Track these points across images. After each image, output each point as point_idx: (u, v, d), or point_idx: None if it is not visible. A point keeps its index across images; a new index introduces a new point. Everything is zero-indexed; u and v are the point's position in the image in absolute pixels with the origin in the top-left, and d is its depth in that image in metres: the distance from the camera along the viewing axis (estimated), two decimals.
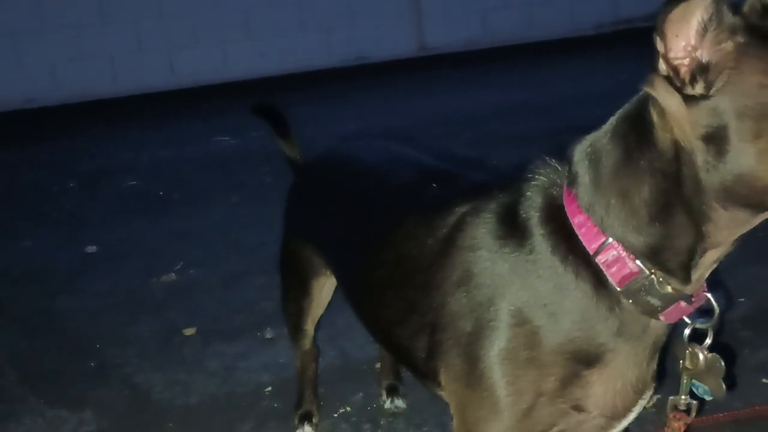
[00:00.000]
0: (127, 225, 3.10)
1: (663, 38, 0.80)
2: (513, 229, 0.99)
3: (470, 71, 5.40)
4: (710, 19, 0.79)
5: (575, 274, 0.93)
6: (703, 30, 0.80)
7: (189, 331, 2.26)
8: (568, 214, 0.94)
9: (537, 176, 0.99)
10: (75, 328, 2.33)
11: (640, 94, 0.90)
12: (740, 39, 0.80)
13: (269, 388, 1.95)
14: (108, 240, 2.95)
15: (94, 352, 2.18)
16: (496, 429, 1.00)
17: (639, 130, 0.88)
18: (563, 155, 0.98)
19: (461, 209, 1.07)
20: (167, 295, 2.50)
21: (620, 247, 0.90)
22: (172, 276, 2.63)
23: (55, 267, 2.76)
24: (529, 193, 0.99)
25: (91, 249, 2.89)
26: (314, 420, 1.77)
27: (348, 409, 1.85)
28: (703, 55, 0.81)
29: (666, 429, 1.05)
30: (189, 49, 5.20)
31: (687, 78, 0.81)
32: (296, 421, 1.76)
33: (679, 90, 0.82)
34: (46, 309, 2.46)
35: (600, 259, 0.91)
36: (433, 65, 5.59)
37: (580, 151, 0.94)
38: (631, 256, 0.90)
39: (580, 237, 0.92)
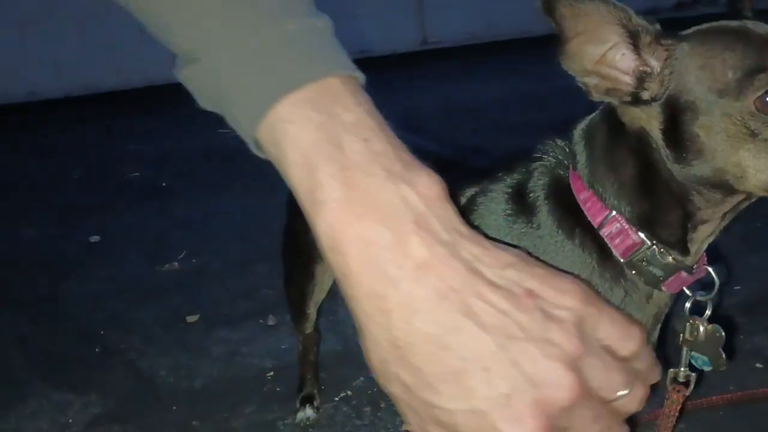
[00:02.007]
0: (130, 215, 3.13)
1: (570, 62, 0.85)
2: (522, 207, 1.02)
3: (472, 64, 5.42)
4: (639, 36, 0.83)
5: (582, 247, 0.96)
6: (634, 44, 0.83)
7: (192, 318, 2.29)
8: (575, 191, 0.97)
9: (544, 157, 1.02)
10: (79, 314, 2.36)
11: None
12: (667, 42, 0.85)
13: (271, 373, 1.98)
14: (112, 229, 2.98)
15: (99, 338, 2.21)
16: None
17: (617, 113, 0.92)
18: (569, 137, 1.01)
19: (470, 192, 1.10)
20: (171, 283, 2.53)
21: (623, 220, 0.93)
22: (176, 264, 2.66)
23: (59, 255, 2.80)
24: (536, 173, 1.02)
25: (95, 238, 2.92)
26: (315, 403, 1.80)
27: (349, 392, 1.88)
28: (640, 63, 0.85)
29: (665, 401, 1.08)
30: None
31: (635, 87, 0.85)
32: (298, 404, 1.79)
33: (624, 101, 0.87)
34: (51, 296, 2.49)
35: (604, 232, 0.94)
36: (435, 59, 5.60)
37: (578, 132, 0.98)
38: (633, 228, 0.93)
39: (585, 211, 0.96)
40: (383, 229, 0.44)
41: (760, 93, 0.81)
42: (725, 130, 0.83)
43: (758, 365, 1.85)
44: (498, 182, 1.06)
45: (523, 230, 1.00)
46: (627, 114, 0.90)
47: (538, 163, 1.02)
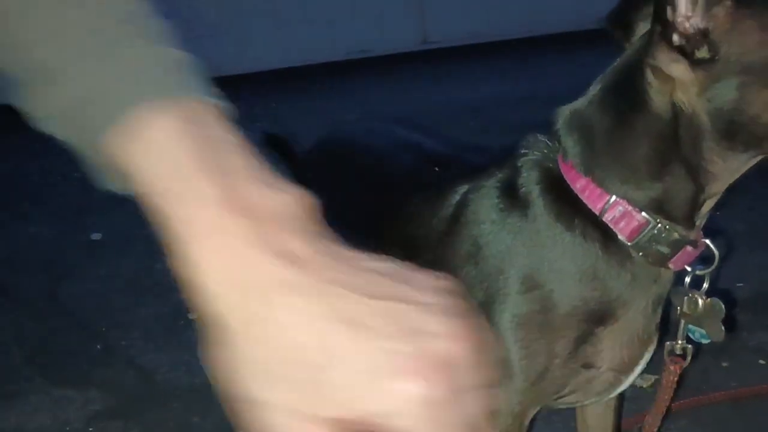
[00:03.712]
0: (131, 213, 3.06)
1: (674, 8, 0.85)
2: (515, 202, 1.02)
3: (473, 63, 5.43)
4: None
5: (582, 237, 0.97)
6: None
7: (193, 315, 2.28)
8: (569, 181, 0.98)
9: (528, 152, 1.03)
10: (80, 311, 2.36)
11: (619, 65, 0.95)
12: (728, 3, 0.87)
13: None
14: (113, 227, 2.98)
15: (100, 335, 2.20)
16: (509, 393, 1.03)
17: (629, 97, 0.94)
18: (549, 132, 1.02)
19: (462, 188, 1.10)
20: (171, 280, 2.52)
21: (625, 203, 0.94)
22: None
23: (60, 253, 2.79)
24: (525, 168, 1.02)
25: (96, 236, 2.92)
26: None
27: None
28: (700, 21, 0.87)
29: (662, 373, 1.10)
30: (198, 41, 5.22)
31: (692, 43, 0.87)
32: None
33: (687, 56, 0.88)
34: (52, 293, 2.49)
35: (607, 217, 0.95)
36: (436, 58, 5.61)
37: (564, 124, 0.99)
38: (637, 209, 0.93)
39: (584, 200, 0.96)
40: (255, 229, 0.42)
41: None
42: None
43: (761, 362, 1.85)
44: (489, 178, 1.06)
45: (518, 224, 1.01)
46: (660, 88, 0.90)
47: (524, 158, 1.02)
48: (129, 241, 2.86)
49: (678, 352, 1.09)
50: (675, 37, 0.87)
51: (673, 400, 1.66)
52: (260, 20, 5.42)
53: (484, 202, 1.05)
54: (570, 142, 0.97)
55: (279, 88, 5.03)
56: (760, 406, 1.68)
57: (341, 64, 5.52)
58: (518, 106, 4.22)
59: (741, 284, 2.21)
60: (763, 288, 2.17)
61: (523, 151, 1.04)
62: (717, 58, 0.87)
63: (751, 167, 0.96)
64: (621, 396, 1.29)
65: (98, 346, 2.15)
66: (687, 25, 0.87)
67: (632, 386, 1.12)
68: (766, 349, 1.88)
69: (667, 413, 1.64)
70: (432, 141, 1.43)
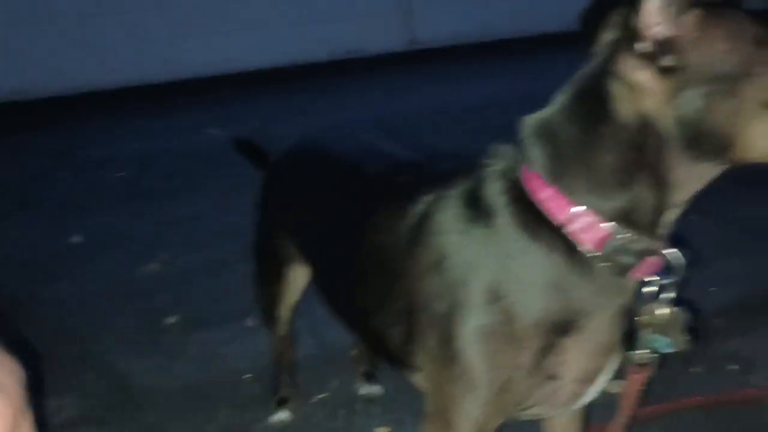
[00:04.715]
0: (113, 215, 3.12)
1: (640, 16, 0.86)
2: (479, 212, 1.02)
3: (461, 65, 5.42)
4: None
5: (546, 247, 0.96)
6: (664, 7, 0.86)
7: (171, 319, 2.29)
8: (533, 191, 0.97)
9: (493, 161, 1.03)
10: (57, 315, 2.35)
11: (585, 74, 0.95)
12: (697, 11, 0.88)
13: (248, 375, 1.98)
14: (93, 230, 2.97)
15: (77, 340, 2.20)
16: (472, 405, 1.03)
17: (596, 107, 0.93)
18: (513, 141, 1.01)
19: (428, 198, 1.10)
20: (151, 284, 2.52)
21: (590, 213, 0.94)
22: (157, 265, 2.65)
23: (39, 256, 2.78)
24: (490, 178, 1.02)
25: (77, 239, 2.90)
26: (290, 405, 1.80)
27: (325, 395, 1.88)
28: (668, 30, 0.87)
29: (627, 381, 1.10)
30: (183, 41, 5.20)
31: (659, 51, 0.87)
32: (273, 406, 1.79)
33: (654, 64, 0.88)
34: (30, 297, 2.48)
35: (572, 228, 0.94)
36: (423, 59, 5.60)
37: (530, 134, 0.98)
38: (602, 219, 0.94)
39: (548, 210, 0.96)
40: None
41: None
42: (748, 101, 0.86)
43: (733, 368, 1.86)
44: (454, 188, 1.06)
45: (482, 234, 1.00)
46: (626, 98, 0.90)
47: (490, 168, 1.02)
48: (110, 244, 2.85)
49: (642, 361, 1.09)
50: (641, 45, 0.87)
51: (645, 405, 1.68)
52: (245, 20, 5.40)
53: (449, 212, 1.05)
54: (535, 152, 0.96)
55: (264, 88, 5.02)
56: (730, 413, 1.69)
57: (327, 65, 5.51)
58: (506, 109, 4.20)
59: (714, 289, 2.22)
60: (736, 294, 2.19)
61: (488, 161, 1.04)
62: (684, 66, 0.87)
63: (715, 177, 0.95)
64: (586, 405, 1.29)
65: (74, 351, 2.14)
66: (654, 32, 0.87)
67: (603, 392, 1.12)
68: (738, 355, 1.89)
69: (636, 420, 1.65)
70: (403, 148, 1.43)
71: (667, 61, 0.87)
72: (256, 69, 5.29)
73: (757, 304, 2.13)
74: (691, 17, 0.87)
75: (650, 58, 0.87)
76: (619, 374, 1.12)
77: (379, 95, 4.86)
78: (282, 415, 1.78)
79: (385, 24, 5.82)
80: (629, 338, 1.11)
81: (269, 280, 1.61)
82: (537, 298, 0.97)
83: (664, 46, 0.86)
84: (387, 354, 1.21)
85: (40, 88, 4.88)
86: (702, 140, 0.89)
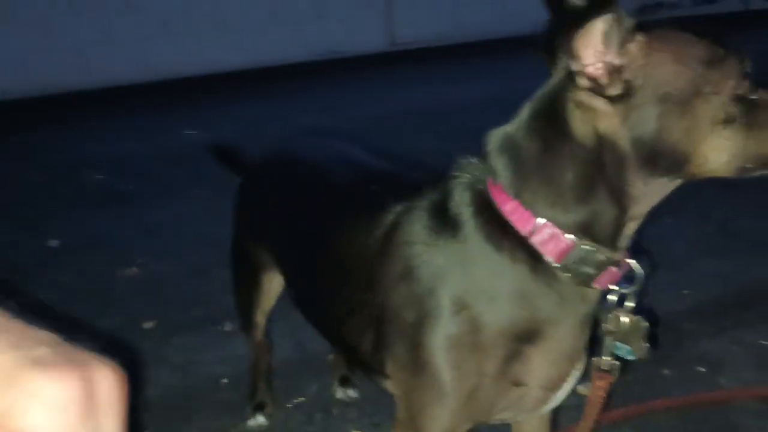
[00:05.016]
0: (91, 219, 3.10)
1: (575, 57, 0.87)
2: (446, 224, 1.04)
3: (442, 66, 5.45)
4: (611, 27, 0.86)
5: (511, 258, 0.99)
6: (608, 38, 0.87)
7: (149, 324, 2.28)
8: (498, 204, 0.99)
9: (461, 173, 1.05)
10: (34, 321, 2.33)
11: (545, 92, 0.97)
12: (641, 38, 0.89)
13: (226, 380, 1.98)
14: (71, 234, 2.95)
15: None
16: (441, 412, 1.05)
17: (555, 125, 0.96)
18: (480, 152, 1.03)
19: (397, 208, 1.11)
20: (129, 289, 2.52)
21: (552, 226, 0.96)
22: (135, 269, 2.64)
23: (16, 261, 2.76)
24: (456, 190, 1.04)
25: (54, 243, 2.89)
26: (267, 410, 1.81)
27: (302, 399, 1.89)
28: (614, 58, 0.88)
29: (590, 387, 1.13)
30: (158, 41, 5.17)
31: (606, 81, 0.88)
32: (250, 411, 1.80)
33: (602, 95, 0.88)
34: (5, 302, 2.46)
35: (535, 240, 0.97)
36: (404, 60, 5.62)
37: (495, 147, 1.00)
38: (564, 232, 0.96)
39: (512, 222, 0.98)
40: None
41: (733, 81, 0.89)
42: (702, 118, 0.89)
43: (702, 369, 1.89)
44: (422, 199, 1.08)
45: (449, 245, 1.02)
46: (582, 119, 0.93)
47: (456, 180, 1.04)
48: (88, 248, 2.84)
49: (605, 368, 1.12)
50: (583, 82, 0.90)
51: (616, 408, 1.71)
52: (225, 20, 5.38)
53: (416, 223, 1.07)
54: (500, 166, 0.99)
55: (243, 89, 5.00)
56: (700, 414, 1.73)
57: (308, 65, 5.51)
58: (485, 110, 4.24)
59: (687, 291, 2.26)
60: (708, 296, 2.23)
61: (455, 173, 1.06)
62: (634, 91, 0.89)
63: (672, 190, 1.00)
64: (554, 408, 1.32)
65: None
66: (594, 68, 0.89)
67: (574, 393, 1.14)
68: (708, 357, 1.93)
69: (607, 423, 1.69)
70: (379, 152, 1.45)
71: (614, 90, 0.89)
72: (235, 69, 5.27)
73: (727, 305, 2.17)
74: (636, 44, 0.89)
75: (596, 90, 0.90)
76: (588, 377, 1.15)
77: (359, 96, 4.87)
78: (259, 420, 1.79)
79: (365, 25, 5.83)
80: (594, 345, 1.14)
81: (245, 286, 1.62)
82: (502, 307, 1.00)
83: (610, 76, 0.88)
84: (358, 361, 1.22)
85: (12, 90, 4.82)
86: (658, 157, 0.91)
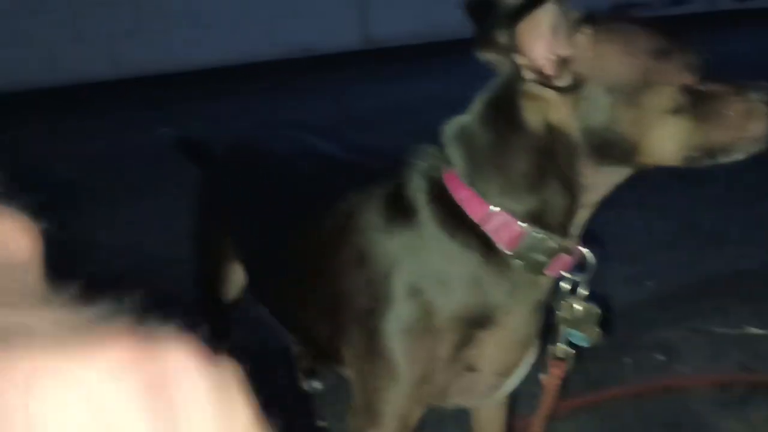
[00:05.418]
0: (56, 217, 3.06)
1: (521, 51, 0.88)
2: (401, 211, 1.06)
3: (415, 64, 5.47)
4: (557, 20, 0.88)
5: (464, 245, 1.01)
6: (554, 30, 0.88)
7: None
8: (452, 191, 1.01)
9: (417, 161, 1.06)
10: None
11: (498, 83, 0.99)
12: (588, 30, 0.90)
13: None
14: (38, 231, 2.93)
15: None
16: (395, 395, 1.07)
17: (507, 115, 0.98)
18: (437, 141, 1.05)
19: (353, 197, 1.13)
20: (95, 286, 2.50)
21: (505, 214, 0.98)
22: (100, 265, 2.63)
23: None
24: (412, 177, 1.06)
25: None
26: None
27: (266, 392, 1.90)
28: (562, 50, 0.90)
29: (547, 376, 1.15)
30: (130, 38, 5.14)
31: (554, 73, 0.90)
32: None
33: (551, 86, 0.90)
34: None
35: (488, 227, 0.99)
36: (378, 57, 5.63)
37: (450, 137, 1.02)
38: (516, 220, 0.98)
39: (466, 210, 1.00)
40: None
41: (681, 72, 0.91)
42: (650, 108, 0.91)
43: (660, 357, 1.93)
44: (378, 187, 1.10)
45: (403, 232, 1.04)
46: (533, 109, 0.95)
47: (413, 168, 1.06)
48: (50, 247, 2.81)
49: (560, 356, 1.14)
50: (530, 75, 0.91)
51: (575, 396, 1.75)
52: (198, 17, 5.36)
53: (371, 210, 1.08)
54: (455, 155, 1.00)
55: (217, 86, 4.98)
56: (656, 401, 1.76)
57: (282, 63, 5.50)
58: (459, 107, 4.27)
59: (649, 282, 2.30)
60: (667, 287, 2.27)
61: (411, 161, 1.08)
62: (583, 82, 0.91)
63: (623, 180, 1.01)
64: (511, 395, 1.34)
65: None
66: (543, 62, 0.90)
67: (531, 382, 1.15)
68: (666, 344, 1.97)
69: (566, 410, 1.72)
70: (343, 148, 1.46)
71: (563, 81, 0.91)
72: (208, 67, 5.25)
73: (685, 296, 2.22)
74: (583, 36, 0.91)
75: (544, 82, 0.91)
76: (546, 366, 1.17)
77: (332, 94, 4.88)
78: None
79: (340, 22, 5.83)
80: (549, 334, 1.17)
81: (208, 279, 1.62)
82: (455, 293, 1.02)
83: (559, 68, 0.90)
84: (316, 348, 1.24)
85: None
86: (608, 147, 0.93)
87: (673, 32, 0.95)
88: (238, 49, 5.47)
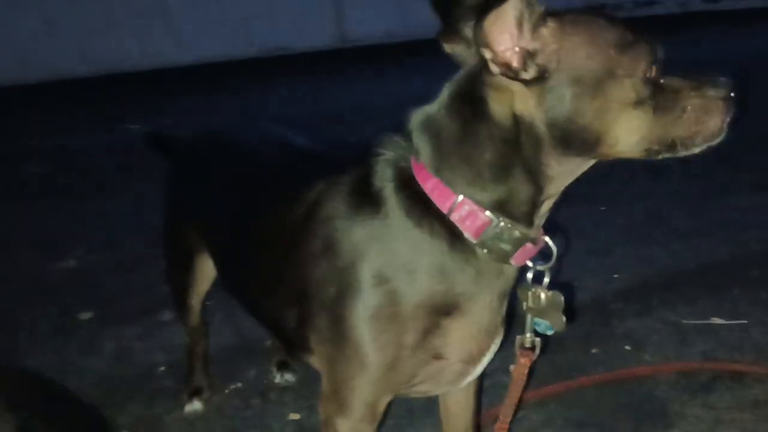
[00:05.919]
0: (27, 212, 3.04)
1: (486, 45, 0.90)
2: (368, 199, 1.06)
3: (390, 63, 5.49)
4: (522, 13, 0.90)
5: (430, 234, 1.02)
6: (520, 24, 0.90)
7: (86, 315, 2.26)
8: (419, 181, 1.02)
9: (384, 151, 1.07)
10: None
11: (464, 73, 1.00)
12: (552, 24, 0.91)
13: (163, 368, 1.98)
14: (5, 227, 2.89)
15: None
16: (362, 383, 1.08)
17: (473, 106, 0.99)
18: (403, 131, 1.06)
19: (320, 185, 1.14)
20: (65, 281, 2.48)
21: (471, 203, 0.99)
22: (71, 261, 2.60)
23: None
24: (379, 167, 1.07)
25: None
26: (204, 395, 1.81)
27: (240, 384, 1.90)
28: (527, 44, 0.91)
29: (515, 366, 1.17)
30: (102, 35, 5.08)
31: (520, 66, 0.92)
32: (186, 397, 1.80)
33: (517, 79, 0.92)
34: None
35: (454, 216, 1.00)
36: (353, 57, 5.65)
37: (417, 127, 1.03)
38: (481, 209, 0.99)
39: (433, 199, 1.01)
40: None
41: (644, 65, 0.93)
42: (613, 100, 0.92)
43: (627, 347, 1.97)
44: (344, 176, 1.10)
45: (370, 220, 1.05)
46: (499, 100, 0.96)
47: (380, 157, 1.07)
48: (22, 241, 2.78)
49: (527, 345, 1.16)
50: (496, 69, 0.93)
51: (544, 385, 1.77)
52: (172, 14, 5.32)
53: (338, 199, 1.09)
54: (421, 144, 1.01)
55: (191, 84, 4.96)
56: (623, 389, 1.80)
57: (257, 61, 5.48)
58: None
59: (617, 275, 2.34)
60: (635, 279, 2.32)
61: (379, 150, 1.09)
62: (547, 74, 0.92)
63: (586, 170, 1.02)
64: (479, 383, 1.36)
65: None
66: (508, 55, 0.92)
67: (500, 373, 1.15)
68: (633, 335, 2.01)
69: (535, 399, 1.74)
70: (308, 139, 1.47)
71: (529, 74, 0.92)
72: (181, 65, 5.22)
73: (652, 287, 2.26)
74: (548, 29, 0.92)
75: (510, 75, 0.92)
76: (514, 356, 1.18)
77: (307, 92, 4.88)
78: (195, 405, 1.79)
79: (315, 21, 5.83)
80: (515, 323, 1.18)
81: (179, 270, 1.62)
82: (421, 281, 1.02)
83: (523, 60, 0.91)
84: (283, 338, 1.24)
85: None
86: (572, 137, 0.95)
87: (637, 27, 0.97)
88: (212, 47, 5.45)
